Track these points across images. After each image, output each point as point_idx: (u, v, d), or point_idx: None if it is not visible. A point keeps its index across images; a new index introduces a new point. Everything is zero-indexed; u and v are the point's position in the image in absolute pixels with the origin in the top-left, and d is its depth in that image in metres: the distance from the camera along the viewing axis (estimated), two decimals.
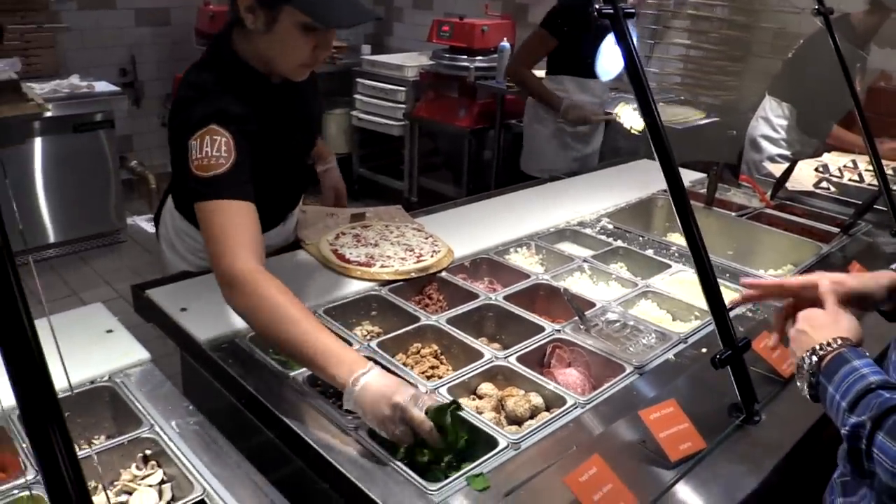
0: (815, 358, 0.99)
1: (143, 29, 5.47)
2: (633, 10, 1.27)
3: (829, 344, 0.98)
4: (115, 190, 4.68)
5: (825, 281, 1.15)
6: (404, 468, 1.18)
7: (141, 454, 1.23)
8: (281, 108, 1.72)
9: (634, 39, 1.29)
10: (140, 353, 1.47)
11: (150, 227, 4.95)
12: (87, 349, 1.46)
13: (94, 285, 4.19)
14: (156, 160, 5.60)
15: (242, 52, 1.65)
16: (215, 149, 1.49)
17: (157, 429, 1.26)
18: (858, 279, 1.19)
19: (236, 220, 1.47)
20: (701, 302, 1.80)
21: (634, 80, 1.26)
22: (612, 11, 1.25)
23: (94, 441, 1.30)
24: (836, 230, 2.37)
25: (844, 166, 3.05)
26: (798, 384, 1.01)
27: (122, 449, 1.23)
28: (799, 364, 1.01)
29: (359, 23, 1.61)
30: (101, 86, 4.61)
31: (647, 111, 1.27)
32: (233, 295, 1.41)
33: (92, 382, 1.38)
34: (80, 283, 4.21)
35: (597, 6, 1.24)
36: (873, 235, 2.35)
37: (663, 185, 1.32)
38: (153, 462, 1.23)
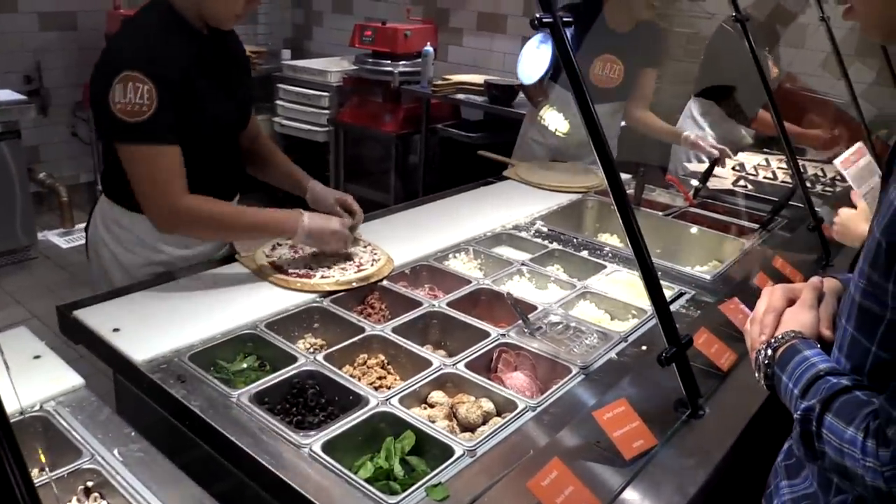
0: (769, 350, 1.04)
1: (49, 34, 5.19)
2: (570, 19, 1.30)
3: (783, 337, 1.04)
4: (23, 204, 4.40)
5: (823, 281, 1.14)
6: (362, 483, 1.16)
7: (82, 486, 1.17)
8: (210, 61, 1.81)
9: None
10: (73, 379, 1.39)
11: (63, 242, 4.70)
12: (13, 377, 1.37)
13: (3, 306, 3.95)
14: (66, 171, 5.35)
15: (177, 3, 1.74)
16: (138, 96, 1.61)
17: (99, 458, 1.20)
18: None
19: (162, 163, 1.68)
20: (637, 301, 1.87)
21: (575, 86, 1.29)
22: (551, 20, 1.27)
23: None
24: (755, 226, 2.48)
25: (758, 165, 3.20)
26: (756, 375, 1.06)
27: (62, 482, 1.16)
28: (756, 357, 1.06)
29: None
30: (5, 94, 4.37)
31: (588, 117, 1.29)
32: (177, 226, 1.78)
33: (22, 413, 1.29)
34: None
35: (537, 15, 1.26)
36: (790, 230, 2.48)
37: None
38: (96, 494, 1.16)
